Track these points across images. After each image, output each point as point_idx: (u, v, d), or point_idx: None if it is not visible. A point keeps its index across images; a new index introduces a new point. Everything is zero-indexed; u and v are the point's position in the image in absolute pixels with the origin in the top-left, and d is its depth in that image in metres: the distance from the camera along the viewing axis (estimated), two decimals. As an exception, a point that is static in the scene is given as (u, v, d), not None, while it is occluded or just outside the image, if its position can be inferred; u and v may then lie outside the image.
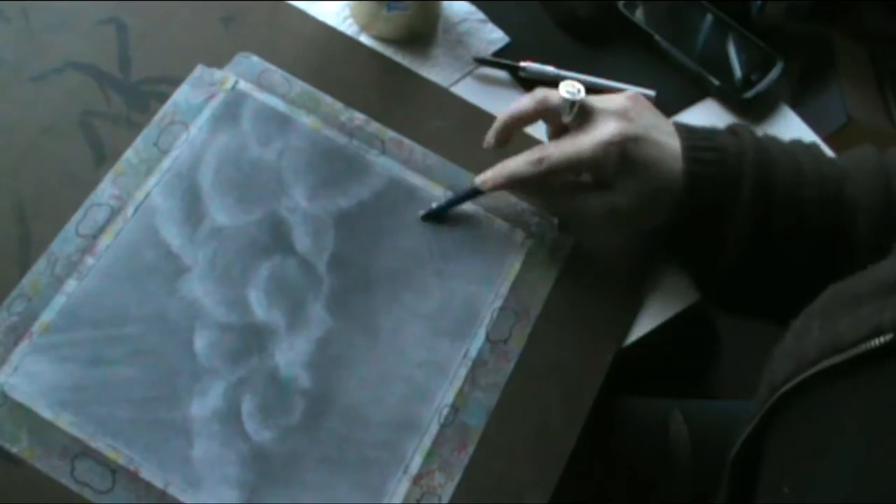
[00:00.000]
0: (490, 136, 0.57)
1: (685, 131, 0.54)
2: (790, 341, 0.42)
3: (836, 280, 0.42)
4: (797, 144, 0.55)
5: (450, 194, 0.58)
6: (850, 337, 0.37)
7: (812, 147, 0.55)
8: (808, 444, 0.39)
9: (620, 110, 0.53)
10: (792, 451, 0.40)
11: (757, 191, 0.51)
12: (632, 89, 0.66)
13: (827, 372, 0.37)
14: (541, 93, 0.55)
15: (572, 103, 0.53)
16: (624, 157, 0.51)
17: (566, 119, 0.54)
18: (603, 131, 0.52)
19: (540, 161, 0.53)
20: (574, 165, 0.52)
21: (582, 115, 0.53)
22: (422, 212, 0.58)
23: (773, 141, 0.54)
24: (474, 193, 0.57)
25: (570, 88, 0.53)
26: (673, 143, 0.53)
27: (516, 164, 0.54)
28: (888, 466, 0.34)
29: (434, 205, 0.58)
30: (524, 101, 0.55)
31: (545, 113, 0.55)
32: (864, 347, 0.36)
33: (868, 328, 0.36)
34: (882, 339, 0.35)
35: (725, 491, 0.45)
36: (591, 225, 0.57)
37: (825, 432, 0.38)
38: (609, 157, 0.51)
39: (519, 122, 0.56)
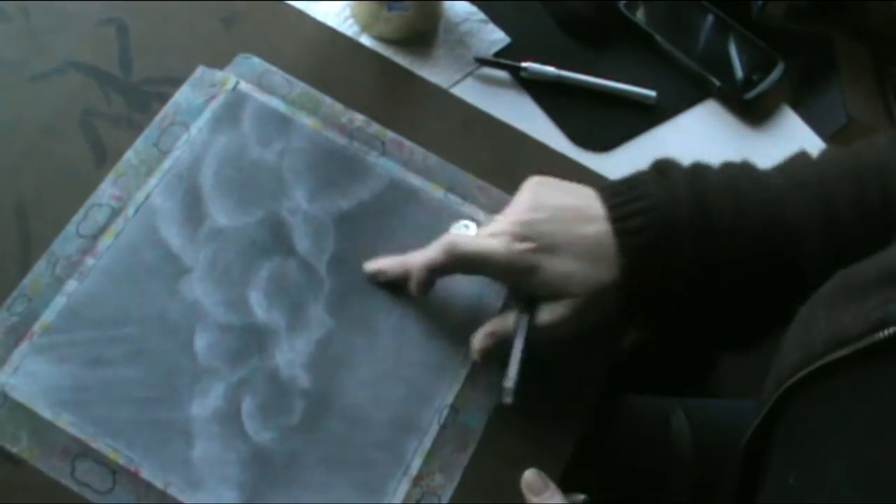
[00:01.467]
0: (413, 291, 0.53)
1: (608, 196, 0.50)
2: (798, 330, 0.42)
3: (795, 304, 0.42)
4: (732, 167, 0.51)
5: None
6: (855, 330, 0.36)
7: (746, 167, 0.51)
8: (814, 436, 0.39)
9: (524, 221, 0.49)
10: (798, 442, 0.40)
11: (699, 243, 0.48)
12: (632, 90, 0.66)
13: (833, 364, 0.37)
14: (446, 239, 0.52)
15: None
16: (542, 271, 0.48)
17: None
18: (515, 245, 0.49)
19: (451, 248, 0.50)
20: (485, 260, 0.50)
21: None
22: (508, 400, 0.51)
23: (705, 173, 0.51)
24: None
25: (459, 227, 0.54)
26: (595, 227, 0.49)
27: (426, 252, 0.51)
28: (893, 459, 0.34)
29: (509, 385, 0.51)
30: (429, 252, 0.52)
31: (459, 262, 0.51)
32: (868, 341, 0.36)
33: (872, 321, 0.36)
34: (887, 332, 0.35)
35: (734, 482, 0.46)
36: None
37: (831, 424, 0.38)
38: (523, 271, 0.49)
39: (435, 273, 0.52)
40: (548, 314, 0.50)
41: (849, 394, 0.37)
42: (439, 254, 0.51)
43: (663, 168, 0.51)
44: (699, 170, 0.51)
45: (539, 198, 0.51)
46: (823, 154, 0.52)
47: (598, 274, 0.48)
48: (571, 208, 0.50)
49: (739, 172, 0.51)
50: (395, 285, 0.55)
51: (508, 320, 0.52)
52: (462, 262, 0.50)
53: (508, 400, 0.50)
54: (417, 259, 0.52)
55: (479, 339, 0.52)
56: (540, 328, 0.51)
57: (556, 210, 0.50)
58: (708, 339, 0.54)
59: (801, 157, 0.52)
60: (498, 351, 0.52)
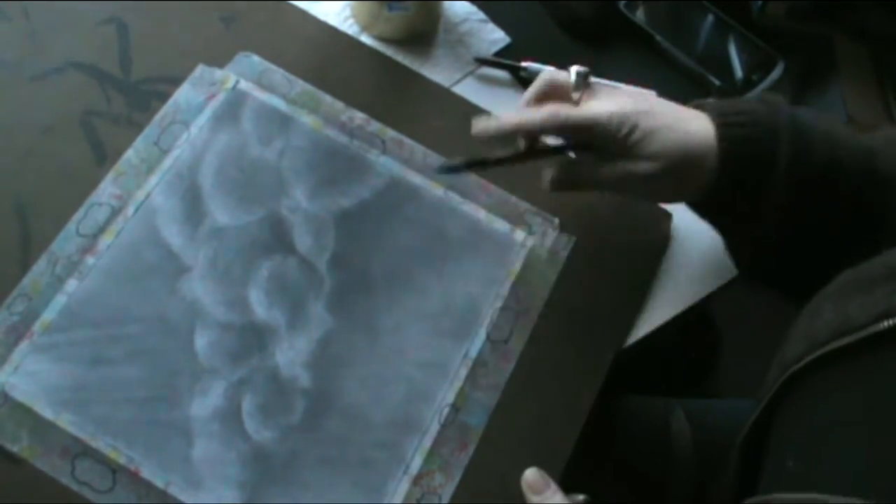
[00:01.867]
0: (504, 126, 0.54)
1: (712, 105, 0.52)
2: (803, 323, 0.43)
3: (866, 255, 0.43)
4: (827, 115, 0.53)
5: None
6: (860, 319, 0.37)
7: (837, 119, 0.54)
8: (814, 421, 0.39)
9: (631, 91, 0.53)
10: (799, 427, 0.41)
11: (794, 150, 0.49)
12: (632, 89, 0.66)
13: (836, 353, 0.38)
14: (548, 73, 0.54)
15: (585, 74, 0.52)
16: (639, 126, 0.49)
17: (576, 96, 0.53)
18: (616, 101, 0.51)
19: (556, 113, 0.51)
20: (590, 126, 0.51)
21: (591, 94, 0.52)
22: (438, 165, 0.56)
23: (805, 109, 0.53)
24: (496, 162, 0.54)
25: (580, 68, 0.53)
26: (697, 118, 0.51)
27: (530, 112, 0.52)
28: (889, 444, 0.35)
29: (455, 161, 0.54)
30: (533, 85, 0.54)
31: (555, 90, 0.53)
32: (872, 329, 0.37)
33: (878, 311, 0.37)
34: (890, 322, 0.36)
35: (733, 469, 0.46)
36: (637, 195, 0.56)
37: (832, 410, 0.39)
38: (622, 127, 0.50)
39: (532, 104, 0.54)
40: (640, 168, 0.51)
41: (850, 381, 0.38)
42: (546, 120, 0.51)
43: (767, 98, 0.53)
44: (797, 107, 0.53)
45: (645, 92, 0.54)
46: None
47: (693, 143, 0.50)
48: (678, 108, 0.52)
49: (836, 119, 0.53)
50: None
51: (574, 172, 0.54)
52: (565, 127, 0.52)
53: (441, 165, 0.55)
54: (526, 119, 0.52)
55: (550, 184, 0.55)
56: (618, 176, 0.52)
57: (661, 100, 0.52)
58: (775, 275, 0.54)
59: (888, 128, 0.54)
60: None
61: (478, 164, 0.54)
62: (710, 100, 0.53)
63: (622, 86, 0.65)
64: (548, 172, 0.54)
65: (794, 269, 0.53)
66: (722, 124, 0.50)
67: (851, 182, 0.49)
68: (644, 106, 0.50)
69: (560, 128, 0.52)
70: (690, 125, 0.50)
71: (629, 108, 0.50)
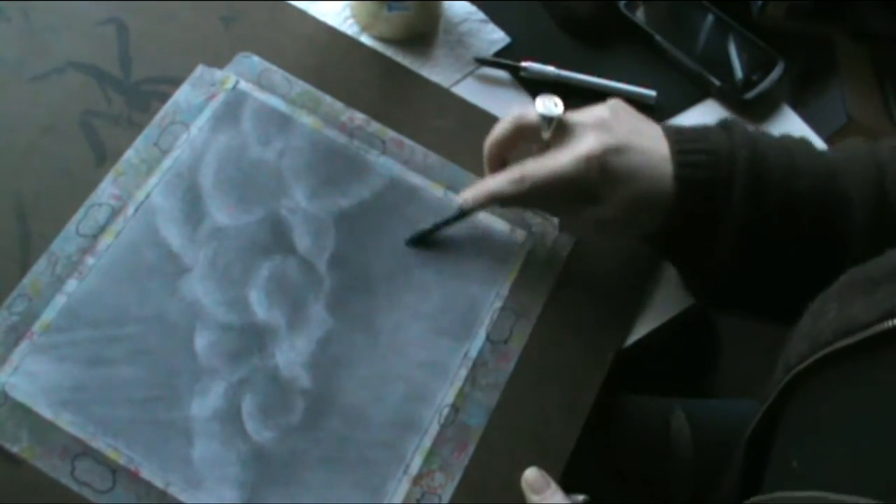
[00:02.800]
0: (486, 169, 0.56)
1: (673, 133, 0.52)
2: (806, 323, 0.43)
3: (829, 278, 0.43)
4: (789, 138, 0.54)
5: (436, 219, 0.57)
6: (864, 319, 0.38)
7: (803, 141, 0.54)
8: (818, 421, 0.40)
9: (599, 122, 0.51)
10: (802, 428, 0.41)
11: (750, 190, 0.50)
12: (632, 90, 0.66)
13: (840, 353, 0.38)
14: (517, 112, 0.54)
15: (550, 119, 0.51)
16: (606, 169, 0.50)
17: (545, 135, 0.52)
18: (582, 146, 0.50)
19: (521, 179, 0.51)
20: (555, 181, 0.51)
21: (560, 131, 0.52)
22: (407, 237, 0.57)
23: (765, 136, 0.53)
24: (460, 216, 0.56)
25: (548, 103, 0.51)
26: (659, 148, 0.51)
27: (497, 183, 0.53)
28: (893, 443, 0.35)
29: (420, 229, 0.57)
30: (501, 124, 0.54)
31: (523, 132, 0.53)
32: (876, 329, 0.37)
33: (881, 311, 0.37)
34: (894, 322, 0.36)
35: (737, 468, 0.46)
36: (582, 235, 0.58)
37: (835, 410, 0.39)
38: (590, 171, 0.50)
39: (501, 146, 0.55)
40: (597, 213, 0.52)
41: (854, 381, 0.38)
42: (512, 190, 0.52)
43: (726, 124, 0.53)
44: (758, 132, 0.53)
45: (617, 111, 0.53)
46: (877, 141, 0.54)
47: (653, 186, 0.50)
48: (642, 129, 0.52)
49: (795, 142, 0.53)
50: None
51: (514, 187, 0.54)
52: (529, 132, 0.53)
53: (411, 237, 0.57)
54: (489, 191, 0.53)
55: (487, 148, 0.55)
56: (592, 221, 0.53)
57: (630, 124, 0.52)
58: (735, 301, 0.55)
59: (853, 140, 0.54)
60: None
61: (441, 225, 0.57)
62: (672, 126, 0.53)
63: (631, 90, 0.65)
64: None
65: (756, 295, 0.54)
66: (679, 163, 0.50)
67: (809, 212, 0.50)
68: (612, 141, 0.50)
69: (527, 191, 0.52)
70: (654, 166, 0.50)
71: (595, 150, 0.50)
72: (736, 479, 0.47)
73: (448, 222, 0.56)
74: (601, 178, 0.50)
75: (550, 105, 0.51)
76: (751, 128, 0.54)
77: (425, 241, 0.57)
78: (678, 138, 0.51)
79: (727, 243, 0.50)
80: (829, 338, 0.39)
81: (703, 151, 0.50)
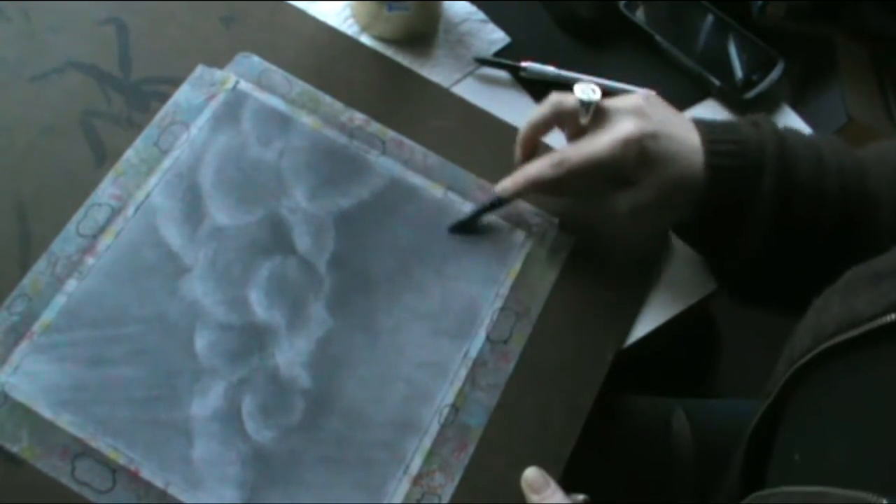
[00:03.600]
0: (517, 152, 0.57)
1: (704, 125, 0.54)
2: (811, 318, 0.43)
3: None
4: (817, 136, 0.55)
5: (473, 206, 0.58)
6: (867, 312, 0.38)
7: (833, 139, 0.55)
8: (821, 415, 0.40)
9: (636, 108, 0.53)
10: (805, 420, 0.41)
11: (779, 182, 0.51)
12: (632, 89, 0.66)
13: (843, 345, 0.39)
14: (555, 97, 0.55)
15: (589, 104, 0.53)
16: (643, 153, 0.51)
17: (584, 121, 0.54)
18: (620, 129, 0.52)
19: (560, 163, 0.53)
20: (594, 165, 0.52)
21: (597, 117, 0.54)
22: (449, 223, 0.58)
23: (793, 132, 0.54)
24: (498, 203, 0.57)
25: (586, 89, 0.53)
26: (692, 138, 0.52)
27: (536, 168, 0.54)
28: (890, 443, 0.35)
29: (461, 216, 0.58)
30: (539, 108, 0.55)
31: (561, 117, 0.55)
32: (879, 322, 0.37)
33: (885, 304, 0.38)
34: (894, 316, 0.37)
35: (739, 464, 0.46)
36: (615, 223, 0.58)
37: (838, 403, 0.39)
38: (628, 155, 0.51)
39: (538, 130, 0.56)
40: (631, 198, 0.53)
41: (857, 374, 0.39)
42: (554, 173, 0.53)
43: (753, 119, 0.55)
44: (788, 129, 0.54)
45: (651, 101, 0.54)
46: None
47: (686, 172, 0.52)
48: (675, 119, 0.54)
49: (824, 140, 0.54)
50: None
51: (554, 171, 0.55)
52: (573, 173, 0.53)
53: (448, 224, 0.57)
54: (532, 176, 0.54)
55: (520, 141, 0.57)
56: (628, 206, 0.53)
57: (663, 114, 0.54)
58: (761, 293, 0.56)
59: (885, 142, 0.55)
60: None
61: (481, 212, 0.57)
62: (703, 119, 0.55)
63: (631, 90, 0.65)
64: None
65: (782, 288, 0.54)
66: (710, 152, 0.52)
67: (837, 210, 0.51)
68: (648, 127, 0.52)
69: (566, 175, 0.53)
70: (687, 153, 0.52)
71: (633, 134, 0.51)
72: (738, 475, 0.47)
73: (487, 209, 0.57)
74: (637, 161, 0.51)
75: (589, 91, 0.53)
76: (779, 125, 0.55)
77: (467, 228, 0.58)
78: (709, 129, 0.53)
79: (756, 234, 0.51)
80: (833, 331, 0.39)
81: (734, 142, 0.52)
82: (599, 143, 0.52)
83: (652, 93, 0.56)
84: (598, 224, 0.59)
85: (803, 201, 0.51)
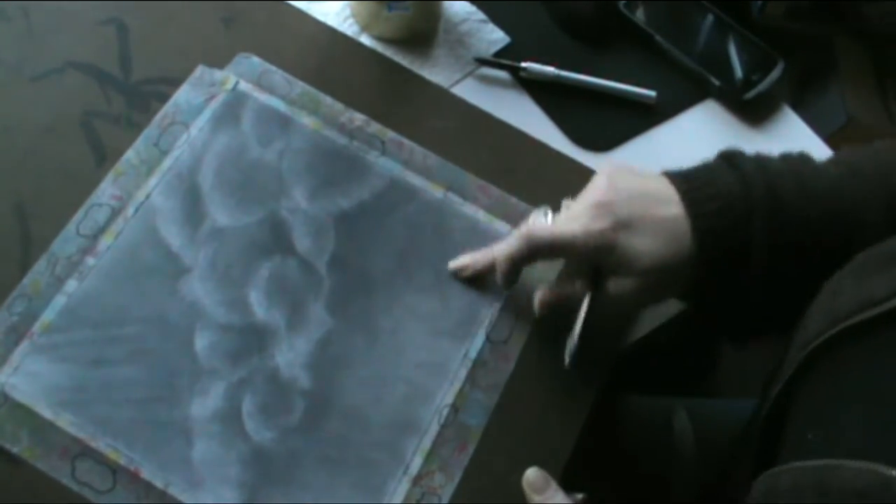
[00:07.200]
0: (500, 282, 0.55)
1: (681, 182, 0.50)
2: (824, 300, 0.43)
3: None
4: (792, 158, 0.53)
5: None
6: (882, 294, 0.38)
7: (805, 159, 0.53)
8: (834, 394, 0.40)
9: (597, 204, 0.50)
10: (819, 401, 0.41)
11: (769, 228, 0.49)
12: (632, 90, 0.66)
13: (858, 327, 0.39)
14: (524, 229, 0.53)
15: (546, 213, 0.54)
16: (617, 246, 0.49)
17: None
18: (590, 217, 0.49)
19: (528, 237, 0.51)
20: (564, 246, 0.50)
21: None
22: (567, 361, 0.54)
23: (770, 163, 0.52)
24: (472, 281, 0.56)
25: (539, 212, 0.54)
26: (670, 209, 0.49)
27: (501, 245, 0.53)
28: None
29: (567, 356, 0.54)
30: (509, 243, 0.53)
31: (539, 250, 0.52)
32: (893, 303, 0.37)
33: None
34: None
35: (754, 449, 0.46)
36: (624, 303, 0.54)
37: (853, 383, 0.39)
38: (601, 245, 0.49)
39: (517, 263, 0.53)
40: (618, 287, 0.51)
41: (871, 354, 0.39)
42: (520, 244, 0.52)
43: (729, 157, 0.52)
44: (763, 159, 0.52)
45: (615, 182, 0.51)
46: (874, 146, 0.53)
47: (672, 251, 0.49)
48: (647, 191, 0.50)
49: (800, 162, 0.52)
50: (477, 280, 0.56)
51: (567, 290, 0.54)
52: (542, 249, 0.52)
53: (567, 361, 0.54)
54: (500, 251, 0.53)
55: (538, 306, 0.54)
56: (607, 301, 0.52)
57: (632, 192, 0.50)
58: (763, 329, 0.54)
59: (850, 150, 0.54)
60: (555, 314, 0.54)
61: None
62: (678, 174, 0.51)
63: (631, 90, 0.65)
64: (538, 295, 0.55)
65: (780, 318, 0.53)
66: (695, 216, 0.49)
67: (826, 236, 0.49)
68: (621, 212, 0.49)
69: (534, 250, 0.51)
70: (669, 229, 0.49)
71: (604, 225, 0.49)
72: (752, 460, 0.47)
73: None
74: (613, 255, 0.49)
75: (541, 217, 0.54)
76: (750, 155, 0.52)
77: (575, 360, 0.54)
78: (688, 188, 0.50)
79: (755, 281, 0.49)
80: (847, 313, 0.39)
81: (717, 197, 0.49)
82: (569, 224, 0.50)
83: (613, 166, 0.52)
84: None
85: (793, 238, 0.49)
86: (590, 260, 0.51)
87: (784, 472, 0.38)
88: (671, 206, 0.49)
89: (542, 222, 0.54)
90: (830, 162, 0.53)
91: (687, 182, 0.50)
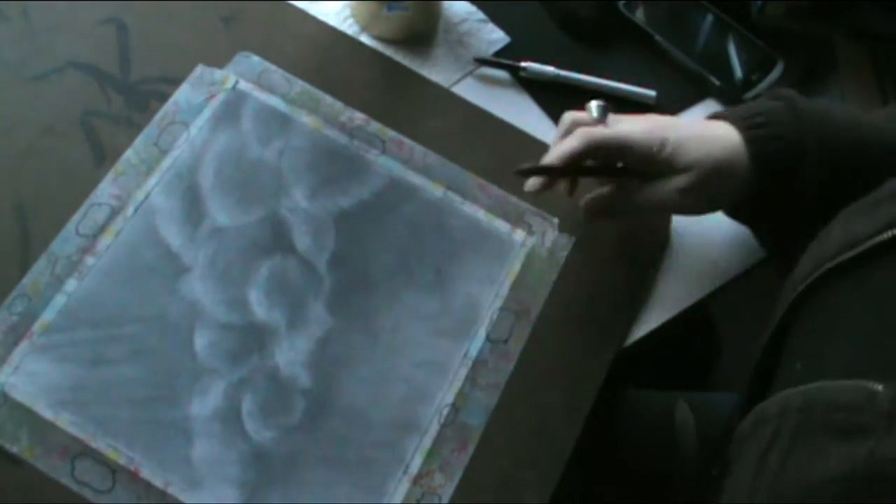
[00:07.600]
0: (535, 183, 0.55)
1: (729, 112, 0.54)
2: (813, 247, 0.45)
3: None
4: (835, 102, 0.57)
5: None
6: (864, 232, 0.39)
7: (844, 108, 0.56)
8: (822, 327, 0.41)
9: (656, 117, 0.54)
10: (807, 336, 0.42)
11: (821, 140, 0.51)
12: (632, 90, 0.66)
13: (843, 266, 0.40)
14: (569, 114, 0.56)
15: (605, 108, 0.55)
16: (669, 139, 0.52)
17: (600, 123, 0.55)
18: (642, 121, 0.54)
19: (590, 136, 0.52)
20: (623, 147, 0.52)
21: (615, 121, 0.55)
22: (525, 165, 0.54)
23: (816, 100, 0.54)
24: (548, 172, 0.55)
25: (599, 102, 0.56)
26: (720, 126, 0.53)
27: (565, 143, 0.53)
28: (888, 340, 0.36)
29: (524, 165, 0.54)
30: (558, 129, 0.56)
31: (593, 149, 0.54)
32: (876, 240, 0.39)
33: (881, 223, 0.39)
34: (892, 232, 0.38)
35: (745, 390, 0.48)
36: (670, 207, 0.57)
37: (839, 317, 0.40)
38: (654, 140, 0.52)
39: (566, 140, 0.55)
40: (669, 188, 0.53)
41: (856, 289, 0.40)
42: (581, 143, 0.52)
43: (779, 93, 0.55)
44: (810, 100, 0.54)
45: (663, 115, 0.56)
46: None
47: (724, 156, 0.52)
48: (694, 120, 0.55)
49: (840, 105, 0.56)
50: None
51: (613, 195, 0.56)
52: (602, 149, 0.53)
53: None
54: (560, 151, 0.53)
55: (585, 210, 0.57)
56: (671, 193, 0.53)
57: (680, 119, 0.55)
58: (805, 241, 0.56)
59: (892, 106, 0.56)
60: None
61: (542, 172, 0.55)
62: (725, 109, 0.55)
63: (620, 89, 0.65)
64: (586, 199, 0.57)
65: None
66: (746, 127, 0.52)
67: (882, 148, 0.51)
68: (668, 121, 0.53)
69: (596, 149, 0.53)
70: (717, 132, 0.52)
71: (656, 124, 0.53)
72: (745, 405, 0.47)
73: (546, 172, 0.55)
74: (667, 148, 0.52)
75: (602, 104, 0.56)
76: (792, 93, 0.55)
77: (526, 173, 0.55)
78: (734, 112, 0.54)
79: (809, 188, 0.51)
80: (831, 254, 0.41)
81: (762, 113, 0.52)
82: (626, 127, 0.53)
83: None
84: (601, 223, 0.59)
85: (849, 145, 0.51)
86: (645, 159, 0.52)
87: (773, 403, 0.39)
88: (722, 126, 0.53)
89: (591, 121, 0.55)
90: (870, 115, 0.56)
91: (733, 108, 0.54)
